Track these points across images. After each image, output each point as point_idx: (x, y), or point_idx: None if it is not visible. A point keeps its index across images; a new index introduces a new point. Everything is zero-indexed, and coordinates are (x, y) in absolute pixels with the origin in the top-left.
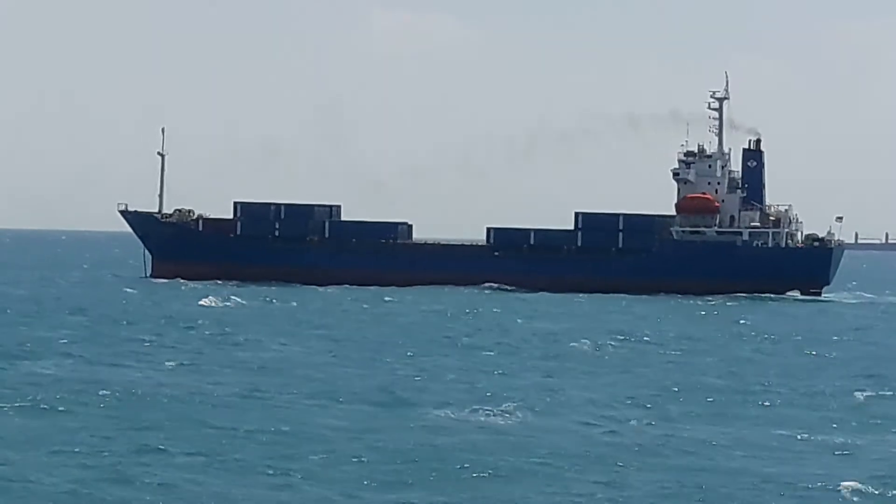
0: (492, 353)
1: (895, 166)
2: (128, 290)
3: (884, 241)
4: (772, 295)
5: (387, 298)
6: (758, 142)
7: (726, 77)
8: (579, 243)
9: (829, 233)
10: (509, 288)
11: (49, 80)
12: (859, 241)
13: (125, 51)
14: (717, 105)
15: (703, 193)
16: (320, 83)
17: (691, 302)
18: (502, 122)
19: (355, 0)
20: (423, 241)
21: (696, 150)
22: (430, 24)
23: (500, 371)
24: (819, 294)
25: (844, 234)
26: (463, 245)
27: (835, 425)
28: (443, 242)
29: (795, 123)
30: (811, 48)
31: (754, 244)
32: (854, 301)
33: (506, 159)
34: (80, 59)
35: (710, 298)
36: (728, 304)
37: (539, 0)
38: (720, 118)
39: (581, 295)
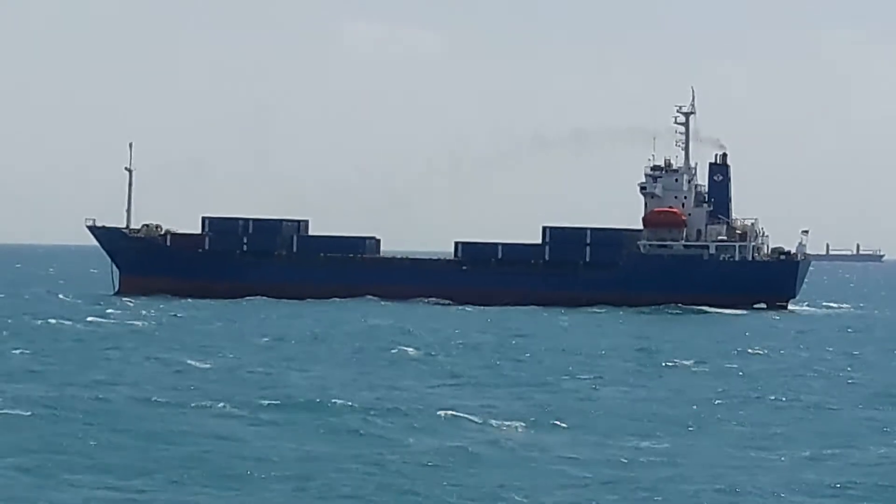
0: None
1: (864, 177)
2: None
3: (854, 251)
4: (734, 310)
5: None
6: (724, 156)
7: (692, 92)
8: (547, 257)
9: (800, 245)
10: (445, 303)
11: (16, 92)
12: (830, 252)
13: (92, 64)
14: (683, 119)
15: (670, 207)
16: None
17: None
18: (466, 132)
19: (331, 12)
20: (391, 255)
21: (662, 165)
22: (405, 37)
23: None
24: (785, 307)
25: (814, 246)
26: (431, 259)
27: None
28: (411, 257)
29: (761, 137)
30: (778, 59)
31: (721, 258)
32: (816, 313)
33: (469, 172)
34: (44, 72)
35: (670, 310)
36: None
37: (508, 11)
38: (686, 132)
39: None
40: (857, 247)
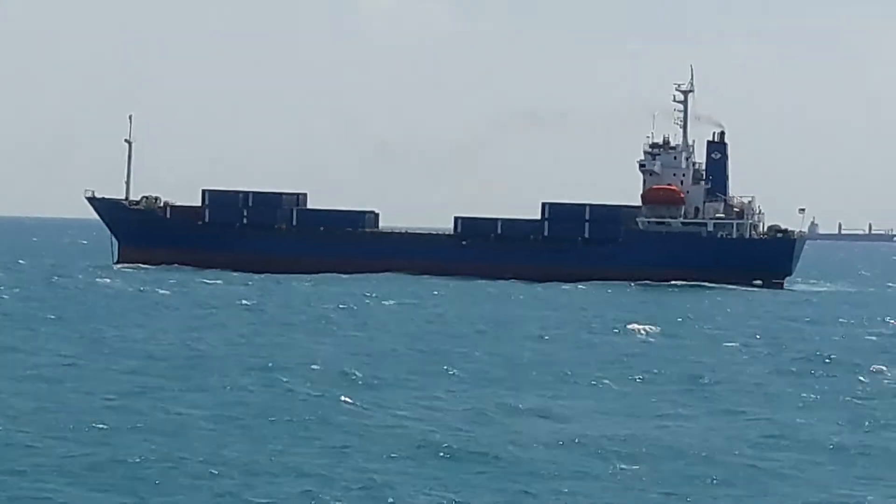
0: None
1: (880, 157)
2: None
3: (867, 231)
4: (732, 286)
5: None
6: (721, 134)
7: (691, 70)
8: (546, 233)
9: (812, 224)
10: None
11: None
12: (842, 232)
13: (93, 35)
14: (681, 98)
15: (669, 185)
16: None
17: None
18: (464, 110)
19: None
20: (389, 230)
21: (661, 142)
22: (420, 11)
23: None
24: (781, 284)
25: (826, 226)
26: (430, 234)
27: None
28: (410, 231)
29: (759, 115)
30: (779, 36)
31: (718, 235)
32: (810, 290)
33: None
34: (45, 43)
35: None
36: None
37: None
38: (685, 110)
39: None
40: (870, 227)
